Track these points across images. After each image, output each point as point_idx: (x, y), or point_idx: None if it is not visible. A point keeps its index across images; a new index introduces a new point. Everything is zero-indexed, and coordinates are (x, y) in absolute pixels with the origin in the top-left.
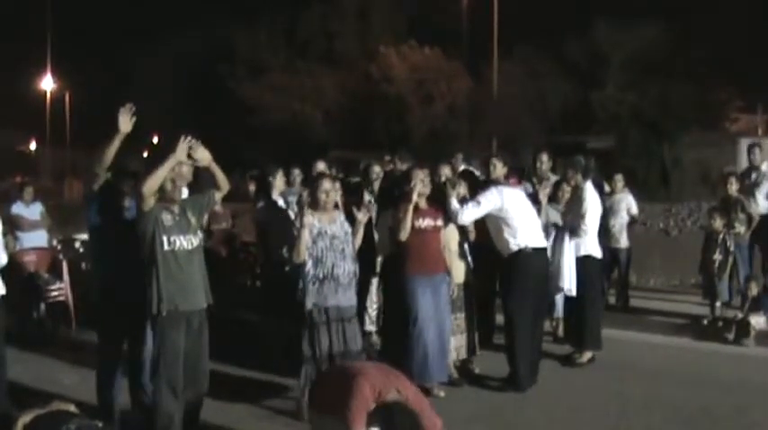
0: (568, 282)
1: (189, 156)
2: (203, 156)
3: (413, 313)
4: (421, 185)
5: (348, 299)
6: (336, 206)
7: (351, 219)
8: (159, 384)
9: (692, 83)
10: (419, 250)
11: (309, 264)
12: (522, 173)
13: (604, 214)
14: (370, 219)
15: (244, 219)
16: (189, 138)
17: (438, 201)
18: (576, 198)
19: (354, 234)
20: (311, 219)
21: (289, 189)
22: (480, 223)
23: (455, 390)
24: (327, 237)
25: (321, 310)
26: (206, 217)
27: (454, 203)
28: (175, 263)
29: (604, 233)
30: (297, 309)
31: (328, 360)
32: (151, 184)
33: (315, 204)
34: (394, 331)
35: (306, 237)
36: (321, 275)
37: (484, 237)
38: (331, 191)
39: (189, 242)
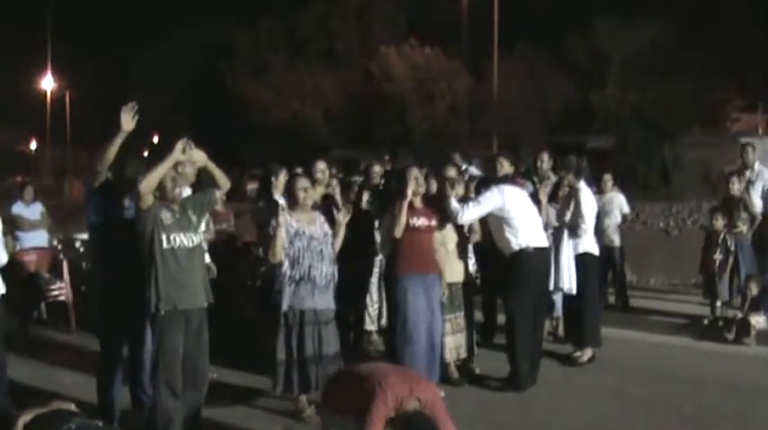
0: (568, 281)
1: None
2: (199, 156)
3: (402, 312)
4: (415, 184)
5: (325, 301)
6: (336, 205)
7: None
8: (158, 384)
9: (692, 82)
10: (412, 249)
11: (286, 265)
12: (522, 172)
13: (597, 214)
14: (371, 220)
15: (244, 219)
16: (186, 138)
17: (433, 201)
18: (572, 197)
19: (335, 235)
20: (287, 218)
21: None
22: (484, 222)
23: (455, 390)
24: (305, 237)
25: (296, 313)
26: (207, 216)
27: (454, 203)
28: (175, 261)
29: (598, 233)
30: (274, 311)
31: (301, 363)
32: (149, 182)
33: (293, 203)
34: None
35: (282, 236)
36: (297, 276)
37: (486, 237)
38: (309, 188)
39: (189, 240)
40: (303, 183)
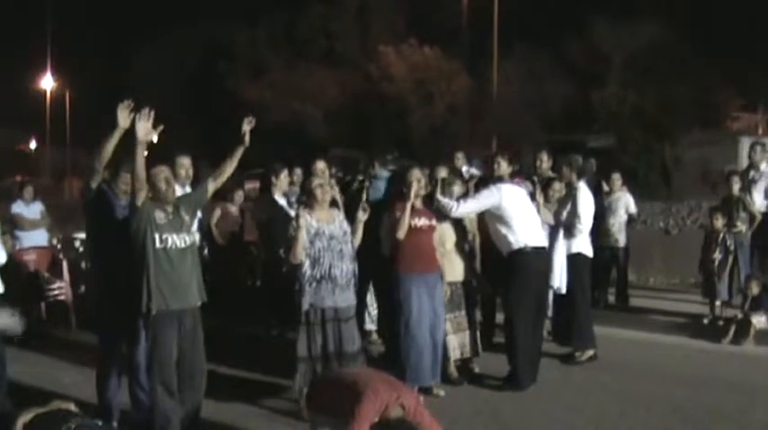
0: (558, 280)
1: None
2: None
3: (406, 312)
4: (417, 185)
5: (345, 299)
6: (336, 206)
7: (351, 219)
8: (154, 384)
9: (692, 82)
10: (415, 249)
11: (306, 265)
12: (518, 171)
13: (602, 213)
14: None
15: (245, 219)
16: (148, 109)
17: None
18: (571, 197)
19: (353, 233)
20: (308, 219)
21: (291, 188)
22: (481, 222)
23: (455, 389)
24: (325, 237)
25: (317, 311)
26: (217, 215)
27: (443, 199)
28: (167, 261)
29: (603, 232)
30: (294, 310)
31: (323, 360)
32: (137, 174)
33: (312, 202)
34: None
35: (303, 237)
36: (318, 276)
37: (484, 236)
38: (325, 184)
39: (182, 240)
40: (318, 180)
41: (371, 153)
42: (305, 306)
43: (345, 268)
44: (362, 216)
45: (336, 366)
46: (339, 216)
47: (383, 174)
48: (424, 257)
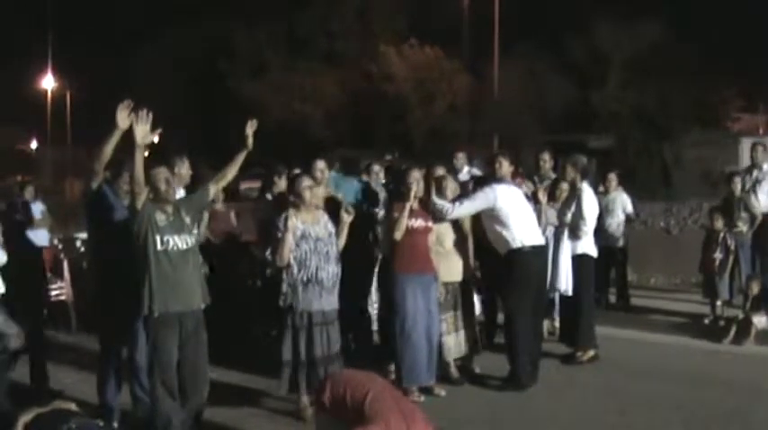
0: (565, 282)
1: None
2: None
3: (401, 313)
4: (417, 186)
5: (330, 302)
6: (338, 204)
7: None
8: (155, 385)
9: (692, 82)
10: (410, 249)
11: (293, 267)
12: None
13: (600, 213)
14: (373, 219)
15: (245, 219)
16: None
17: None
18: (575, 198)
19: (338, 235)
20: (295, 222)
21: None
22: (477, 220)
23: (456, 390)
24: (311, 239)
25: (304, 314)
26: (206, 216)
27: (438, 201)
28: (168, 263)
29: (600, 232)
30: (280, 313)
31: (310, 364)
32: (137, 177)
33: (299, 203)
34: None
35: (289, 240)
36: (305, 279)
37: (483, 236)
38: (314, 187)
39: (183, 242)
40: (307, 182)
41: (330, 154)
42: (292, 309)
43: (331, 271)
44: (347, 218)
45: (323, 370)
46: (323, 217)
47: (336, 176)
48: (420, 258)
